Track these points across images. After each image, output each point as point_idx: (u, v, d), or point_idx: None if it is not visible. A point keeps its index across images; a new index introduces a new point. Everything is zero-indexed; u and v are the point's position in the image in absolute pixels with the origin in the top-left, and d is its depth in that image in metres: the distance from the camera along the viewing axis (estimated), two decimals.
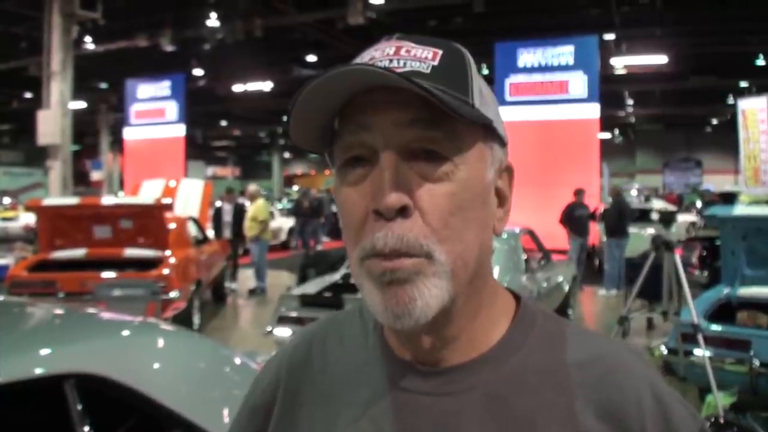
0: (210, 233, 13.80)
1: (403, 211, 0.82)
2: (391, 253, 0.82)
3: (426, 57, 0.86)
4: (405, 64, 0.85)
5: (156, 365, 2.39)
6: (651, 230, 15.60)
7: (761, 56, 24.44)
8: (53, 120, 14.94)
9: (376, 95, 0.83)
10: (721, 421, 4.77)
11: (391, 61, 0.86)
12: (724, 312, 6.48)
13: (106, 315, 3.01)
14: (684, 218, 21.52)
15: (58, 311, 2.81)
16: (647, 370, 0.91)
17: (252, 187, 14.82)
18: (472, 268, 0.87)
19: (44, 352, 2.09)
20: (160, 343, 2.58)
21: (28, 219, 19.29)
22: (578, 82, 17.41)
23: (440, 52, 0.87)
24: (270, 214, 15.30)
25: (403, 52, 0.87)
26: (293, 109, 0.84)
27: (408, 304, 0.83)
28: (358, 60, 0.88)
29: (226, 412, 2.32)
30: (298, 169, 58.95)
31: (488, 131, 0.90)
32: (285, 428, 1.00)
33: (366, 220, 0.84)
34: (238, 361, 2.77)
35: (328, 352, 1.02)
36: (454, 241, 0.84)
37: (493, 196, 0.92)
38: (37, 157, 30.07)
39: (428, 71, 0.85)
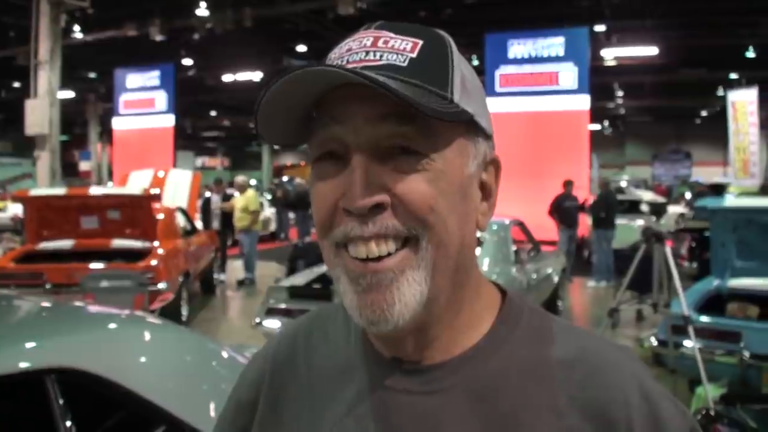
0: (199, 224, 13.75)
1: (377, 208, 0.81)
2: (370, 238, 0.81)
3: (404, 48, 0.84)
4: (381, 56, 0.83)
5: (141, 360, 2.36)
6: (640, 221, 15.67)
7: (751, 48, 24.48)
8: (41, 110, 14.83)
9: (349, 89, 0.80)
10: (712, 413, 4.76)
11: (367, 53, 0.83)
12: (714, 304, 6.49)
13: (91, 308, 2.98)
14: (673, 209, 21.59)
15: (41, 304, 2.77)
16: (635, 368, 0.88)
17: (241, 177, 14.78)
18: (453, 260, 0.86)
19: (24, 346, 2.06)
20: (146, 337, 2.54)
21: (16, 209, 19.18)
22: (568, 74, 17.45)
23: (420, 42, 0.85)
24: (260, 205, 15.27)
25: (380, 43, 0.84)
26: (258, 110, 0.83)
27: (385, 310, 0.82)
28: (336, 50, 0.87)
29: (212, 406, 2.29)
30: (287, 159, 58.80)
31: (470, 124, 0.87)
32: (270, 425, 0.99)
33: (335, 215, 0.84)
34: (225, 355, 2.74)
35: (313, 350, 1.01)
36: (439, 227, 0.82)
37: (475, 189, 0.89)
38: (25, 147, 29.92)
39: (405, 64, 0.82)
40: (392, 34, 0.85)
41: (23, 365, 1.96)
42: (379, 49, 0.83)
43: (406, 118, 0.79)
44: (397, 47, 0.83)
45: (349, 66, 0.82)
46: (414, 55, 0.83)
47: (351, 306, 0.84)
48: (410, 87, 0.80)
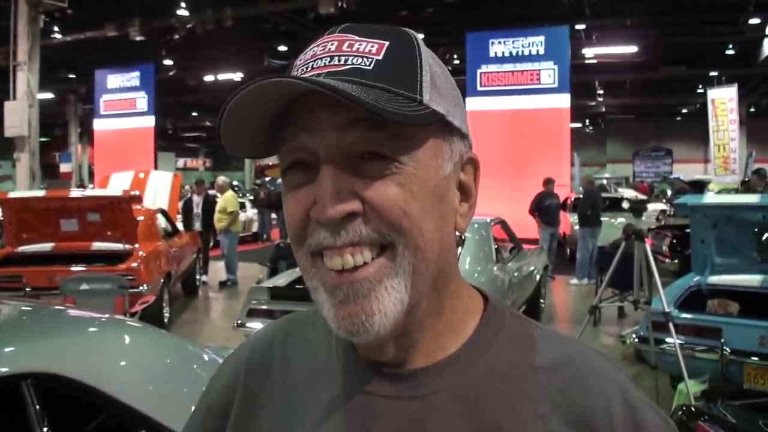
0: (180, 225, 13.70)
1: (349, 216, 0.80)
2: (344, 247, 0.80)
3: (370, 51, 0.82)
4: (346, 60, 0.81)
5: (120, 363, 2.35)
6: (622, 219, 15.76)
7: (731, 46, 24.67)
8: (20, 111, 14.73)
9: (315, 96, 0.78)
10: (693, 409, 4.79)
11: (331, 58, 0.82)
12: (694, 300, 6.52)
13: (69, 312, 2.95)
14: (654, 207, 21.71)
15: (20, 308, 2.74)
16: (617, 374, 0.88)
17: (221, 178, 14.75)
18: (433, 264, 0.84)
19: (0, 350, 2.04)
20: (125, 340, 2.52)
21: None
22: (549, 72, 17.53)
23: (386, 43, 0.83)
24: (241, 206, 15.24)
25: (345, 47, 0.83)
26: (221, 126, 0.82)
27: (364, 321, 0.81)
28: (301, 57, 0.86)
29: (192, 410, 2.27)
30: (270, 160, 58.47)
31: (444, 124, 0.85)
32: (244, 430, 0.97)
33: (307, 224, 0.83)
34: (205, 357, 2.73)
35: (290, 354, 0.99)
36: (414, 232, 0.81)
37: (453, 191, 0.88)
38: (5, 149, 29.69)
39: (370, 67, 0.81)
40: (357, 37, 0.83)
41: None
42: (343, 53, 0.82)
43: (375, 124, 0.78)
44: (363, 50, 0.82)
45: (314, 72, 0.81)
46: (380, 57, 0.81)
47: (329, 317, 0.83)
48: (375, 91, 0.78)
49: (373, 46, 0.82)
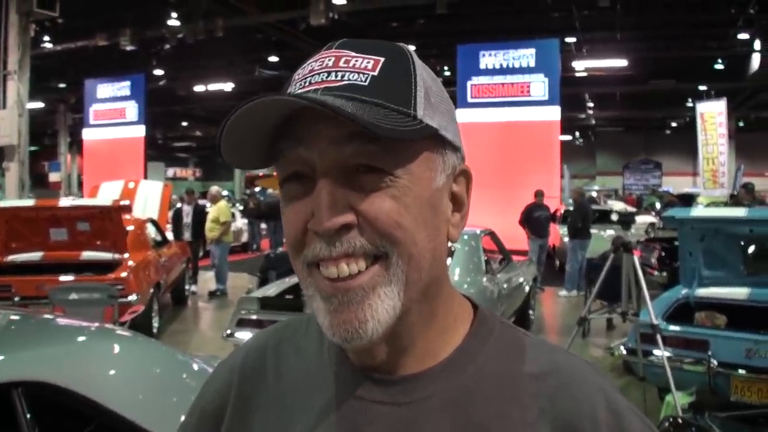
0: (170, 235, 13.66)
1: (344, 228, 0.81)
2: (339, 258, 0.82)
3: (365, 67, 0.84)
4: (343, 76, 0.83)
5: (110, 372, 2.34)
6: (611, 231, 15.79)
7: (720, 60, 24.81)
8: (10, 120, 14.67)
9: (312, 110, 0.80)
10: (680, 421, 4.81)
11: (328, 74, 0.84)
12: (682, 312, 6.54)
13: (60, 321, 2.95)
14: (643, 219, 21.77)
15: (9, 317, 2.74)
16: (603, 383, 0.89)
17: (214, 188, 14.73)
18: (426, 272, 0.86)
19: None
20: (115, 349, 2.52)
21: None
22: (539, 85, 17.59)
23: (382, 59, 0.85)
24: (231, 216, 15.23)
25: (341, 63, 0.84)
26: (221, 140, 0.83)
27: (358, 328, 0.82)
28: (299, 72, 0.87)
29: (182, 419, 2.27)
30: (260, 170, 58.54)
31: (437, 138, 0.87)
32: None
33: (305, 235, 0.84)
34: (195, 367, 2.72)
35: (283, 359, 1.01)
36: (407, 242, 0.83)
37: (446, 202, 0.90)
38: None
39: (366, 83, 0.82)
40: (354, 53, 0.85)
41: None
42: (340, 69, 0.84)
43: (370, 138, 0.79)
44: (359, 66, 0.84)
45: (311, 87, 0.83)
46: (375, 73, 0.83)
47: (324, 324, 0.84)
48: (371, 106, 0.80)
49: (368, 62, 0.84)
